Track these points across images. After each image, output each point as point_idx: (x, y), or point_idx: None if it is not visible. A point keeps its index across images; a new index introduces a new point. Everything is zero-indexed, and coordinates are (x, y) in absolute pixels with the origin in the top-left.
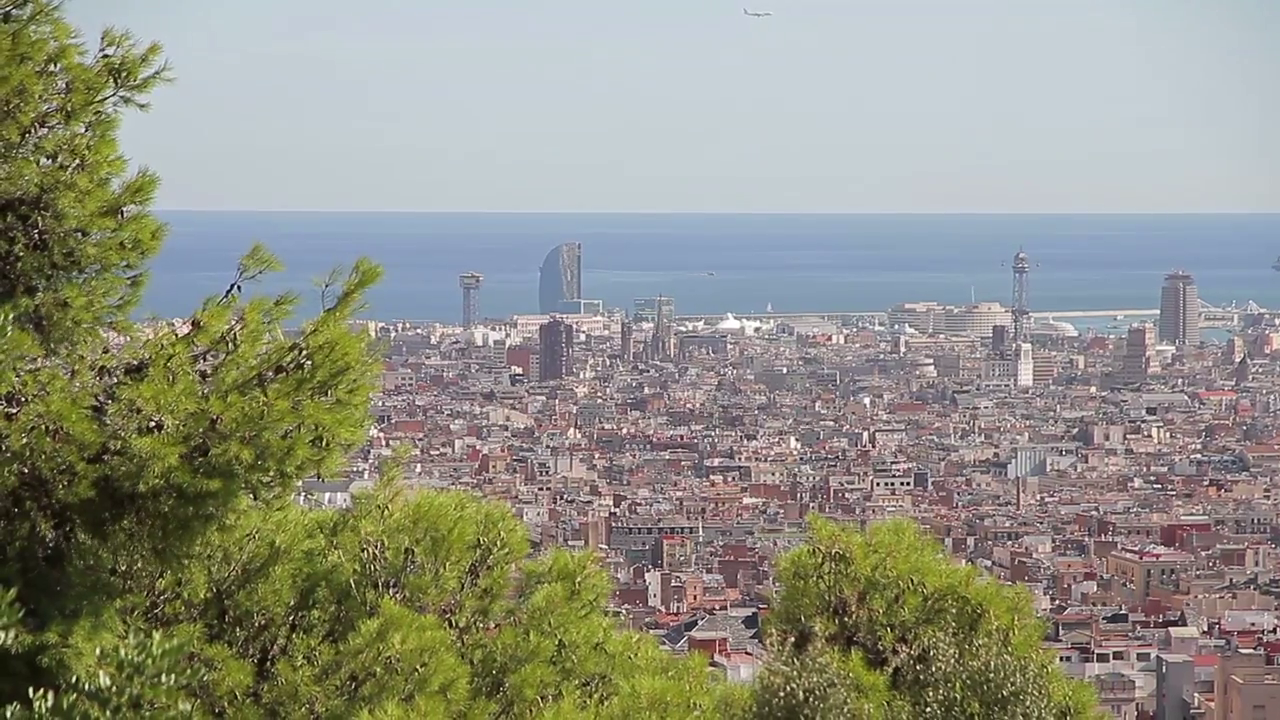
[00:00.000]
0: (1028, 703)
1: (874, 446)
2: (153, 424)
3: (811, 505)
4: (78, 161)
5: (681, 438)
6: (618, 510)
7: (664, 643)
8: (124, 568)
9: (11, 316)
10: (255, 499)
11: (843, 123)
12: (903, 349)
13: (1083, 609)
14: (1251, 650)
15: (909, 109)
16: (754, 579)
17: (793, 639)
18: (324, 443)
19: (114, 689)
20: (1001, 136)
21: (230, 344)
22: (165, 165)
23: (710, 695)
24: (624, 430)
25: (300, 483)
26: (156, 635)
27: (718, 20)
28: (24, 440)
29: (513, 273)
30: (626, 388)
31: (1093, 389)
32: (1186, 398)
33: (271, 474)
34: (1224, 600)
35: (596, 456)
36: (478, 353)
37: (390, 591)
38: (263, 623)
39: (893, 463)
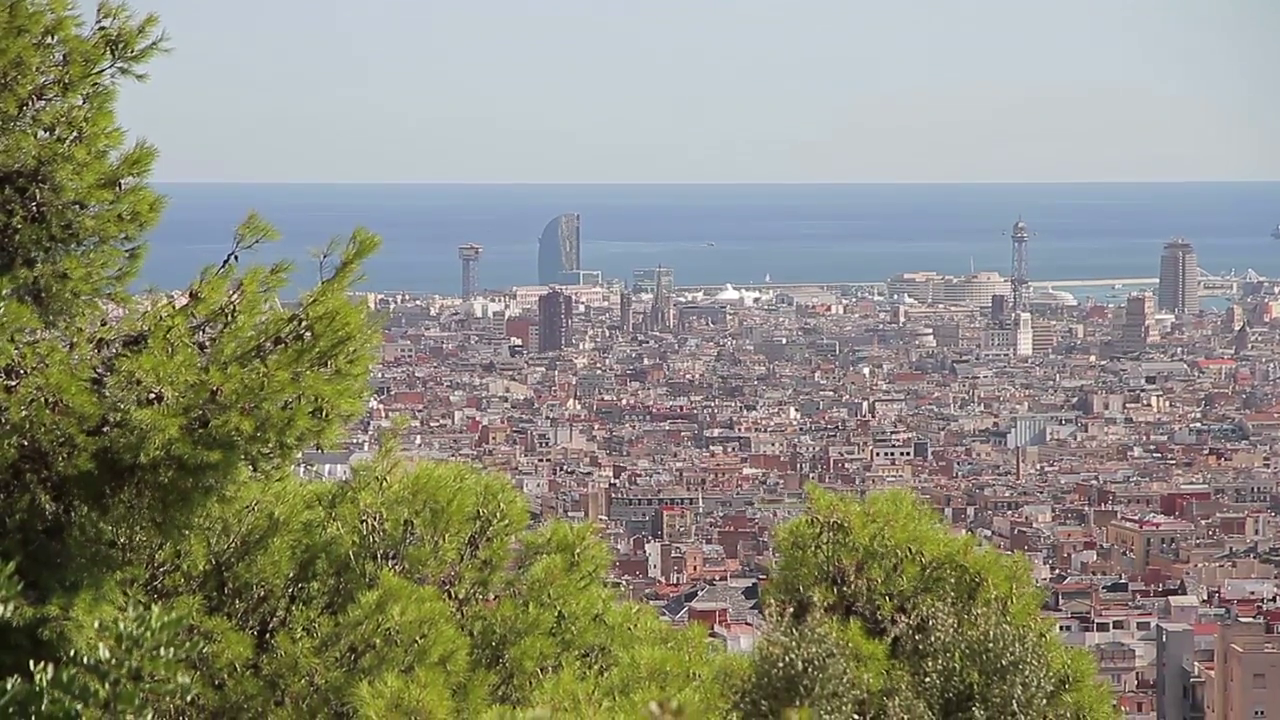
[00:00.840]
0: (1026, 672)
1: (873, 416)
2: (152, 396)
3: (811, 475)
4: (75, 134)
5: (681, 408)
6: (617, 481)
7: (664, 614)
8: (124, 540)
9: (10, 289)
10: (255, 470)
11: (841, 94)
12: (902, 319)
13: (1082, 578)
14: (1251, 619)
15: (907, 81)
16: (753, 549)
17: (792, 609)
18: (324, 414)
19: (113, 661)
20: (998, 106)
21: (229, 315)
22: (162, 136)
23: (710, 665)
24: (623, 401)
25: (300, 454)
26: (155, 608)
27: None
28: (23, 412)
29: (512, 244)
30: (626, 359)
31: (1092, 358)
32: (1186, 366)
33: (271, 445)
34: (1224, 569)
35: (596, 428)
36: (477, 324)
37: (389, 563)
38: (262, 595)
39: (892, 433)
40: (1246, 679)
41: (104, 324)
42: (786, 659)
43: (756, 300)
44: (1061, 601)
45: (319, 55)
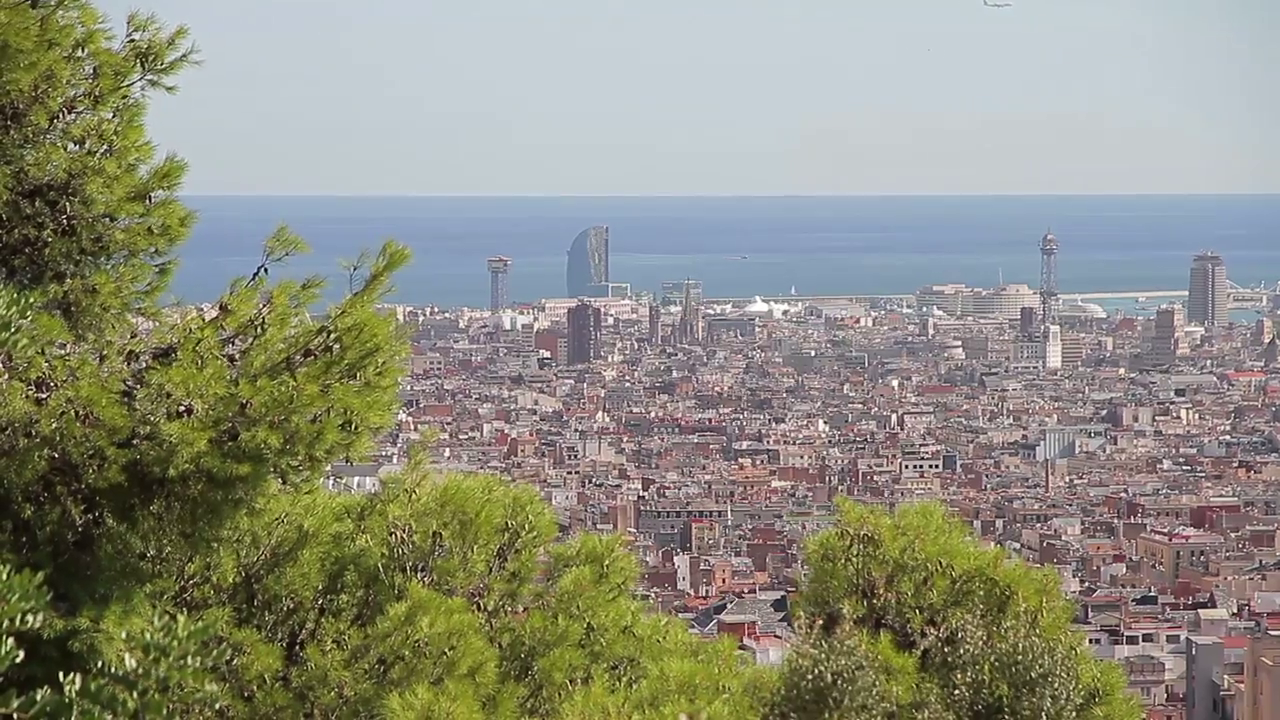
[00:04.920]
0: (1056, 685)
1: (902, 429)
2: (182, 408)
3: (840, 488)
4: (105, 147)
5: (710, 421)
6: (646, 494)
7: (693, 626)
8: (153, 552)
9: (40, 302)
10: (284, 483)
11: (868, 106)
12: (931, 331)
13: (1112, 591)
14: None
15: (933, 94)
16: (783, 562)
17: (821, 622)
18: (353, 426)
19: (140, 671)
20: (1026, 119)
21: (258, 328)
22: (191, 149)
23: (739, 678)
24: (652, 413)
25: (329, 467)
26: (182, 618)
27: (741, 2)
28: (54, 425)
29: (540, 256)
30: (654, 371)
31: (1121, 370)
32: (1215, 379)
33: (300, 458)
34: (1253, 582)
35: (625, 440)
36: (506, 337)
37: (418, 575)
38: (291, 606)
39: (921, 445)
40: (1277, 692)
41: (134, 337)
42: (816, 671)
43: (785, 313)
44: (1091, 614)
45: (349, 68)
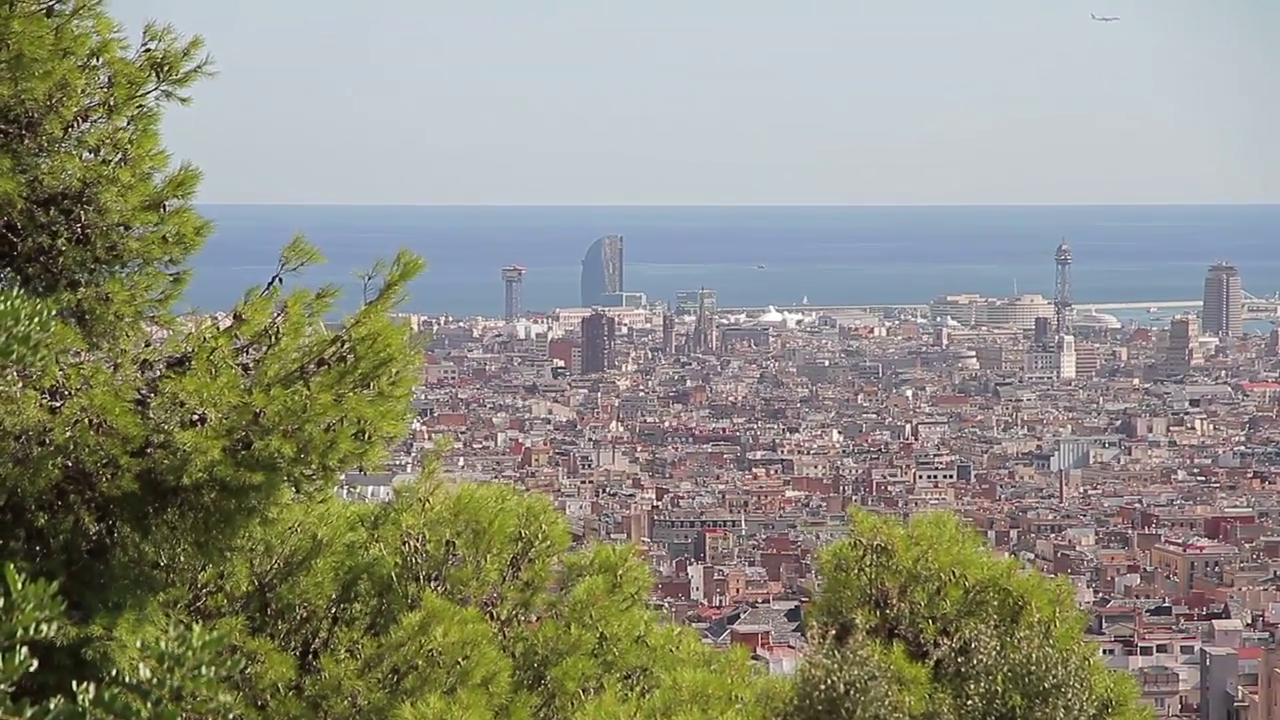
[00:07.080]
0: (1069, 695)
1: (916, 439)
2: (196, 417)
3: (854, 498)
4: (120, 156)
5: (724, 431)
6: (660, 503)
7: (706, 636)
8: (167, 561)
9: (54, 311)
10: (297, 492)
11: (882, 116)
12: (945, 341)
13: (1126, 602)
14: None
15: (948, 104)
16: (796, 572)
17: (834, 632)
18: (366, 436)
19: (154, 681)
20: (1041, 128)
21: (272, 337)
22: (206, 158)
23: (752, 688)
24: (666, 423)
25: (342, 476)
26: (197, 628)
27: (756, 12)
28: (68, 433)
29: (555, 266)
30: (669, 380)
31: (1136, 381)
32: (1230, 389)
33: (314, 467)
34: (1268, 592)
35: (639, 449)
36: (520, 346)
37: (432, 584)
38: (305, 615)
39: (935, 455)
40: None
41: (148, 345)
42: (829, 681)
43: (799, 322)
44: (1105, 625)
45: (365, 77)
